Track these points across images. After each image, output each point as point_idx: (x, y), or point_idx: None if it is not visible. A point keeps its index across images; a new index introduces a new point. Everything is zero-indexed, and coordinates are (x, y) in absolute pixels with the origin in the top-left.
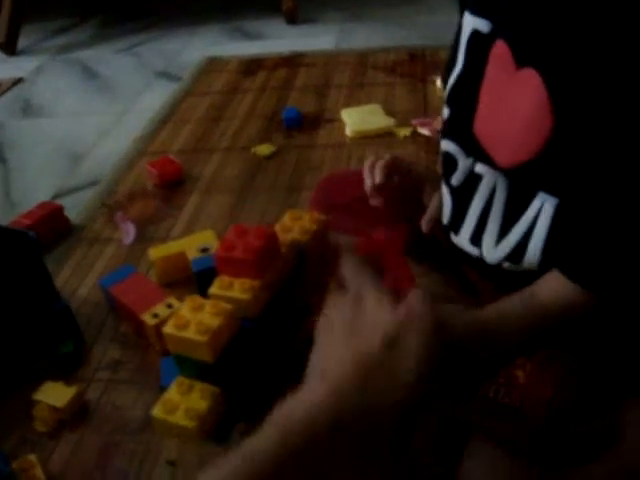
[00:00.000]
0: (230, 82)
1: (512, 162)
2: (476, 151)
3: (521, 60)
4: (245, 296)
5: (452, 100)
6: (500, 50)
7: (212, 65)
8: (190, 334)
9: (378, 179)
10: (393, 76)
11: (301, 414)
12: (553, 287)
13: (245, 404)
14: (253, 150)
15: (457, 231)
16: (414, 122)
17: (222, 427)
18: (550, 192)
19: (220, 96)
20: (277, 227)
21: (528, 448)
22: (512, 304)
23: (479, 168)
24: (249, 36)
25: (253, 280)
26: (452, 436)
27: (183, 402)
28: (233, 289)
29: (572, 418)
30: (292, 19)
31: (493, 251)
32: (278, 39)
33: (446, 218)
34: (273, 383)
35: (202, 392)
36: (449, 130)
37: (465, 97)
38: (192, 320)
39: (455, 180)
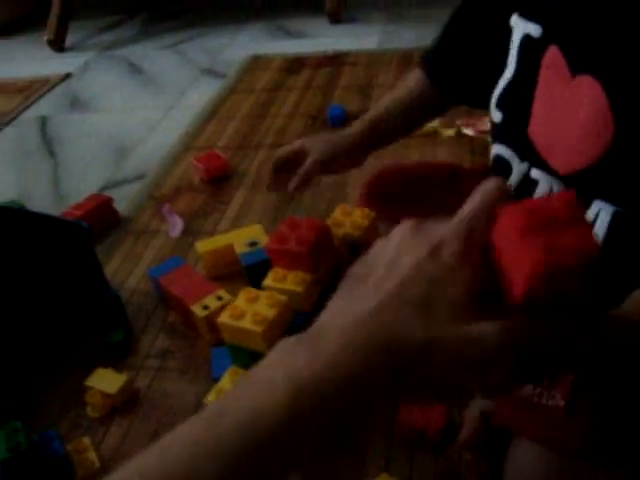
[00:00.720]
0: (274, 80)
1: (569, 169)
2: (531, 156)
3: (576, 67)
4: (298, 289)
5: (504, 104)
6: (553, 56)
7: (256, 63)
8: (246, 324)
9: None
10: None
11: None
12: None
13: None
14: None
15: None
16: (458, 122)
17: None
18: (607, 200)
19: (265, 93)
20: (329, 222)
21: (576, 449)
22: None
23: (534, 173)
24: (292, 35)
25: (306, 273)
26: (496, 432)
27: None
28: (286, 281)
29: (618, 416)
30: (335, 19)
31: None
32: (321, 38)
33: None
34: None
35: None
36: (502, 134)
37: (519, 102)
38: (248, 311)
39: (511, 183)
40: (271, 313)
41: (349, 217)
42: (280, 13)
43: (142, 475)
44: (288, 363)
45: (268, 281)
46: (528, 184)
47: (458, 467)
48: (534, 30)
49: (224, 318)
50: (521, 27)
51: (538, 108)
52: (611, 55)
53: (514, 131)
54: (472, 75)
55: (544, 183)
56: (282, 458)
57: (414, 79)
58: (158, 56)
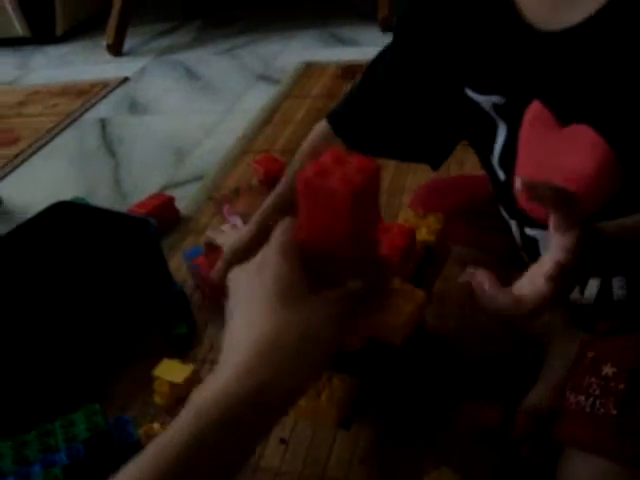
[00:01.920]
0: (328, 86)
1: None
2: (518, 214)
3: (565, 118)
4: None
5: (504, 164)
6: (537, 111)
7: (310, 70)
8: None
9: None
10: None
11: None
12: None
13: (373, 395)
14: None
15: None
16: None
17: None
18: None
19: (319, 99)
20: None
21: (630, 457)
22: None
23: (530, 232)
24: (344, 42)
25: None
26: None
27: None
28: None
29: None
30: (387, 27)
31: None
32: (372, 46)
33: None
34: (396, 380)
35: (342, 381)
36: (500, 194)
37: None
38: None
39: (517, 241)
40: None
41: (423, 220)
42: (332, 21)
43: None
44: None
45: None
46: (529, 243)
47: (515, 463)
48: (497, 100)
49: None
50: (483, 99)
51: (520, 163)
52: (596, 105)
53: (501, 191)
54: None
55: (543, 240)
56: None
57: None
58: (213, 61)
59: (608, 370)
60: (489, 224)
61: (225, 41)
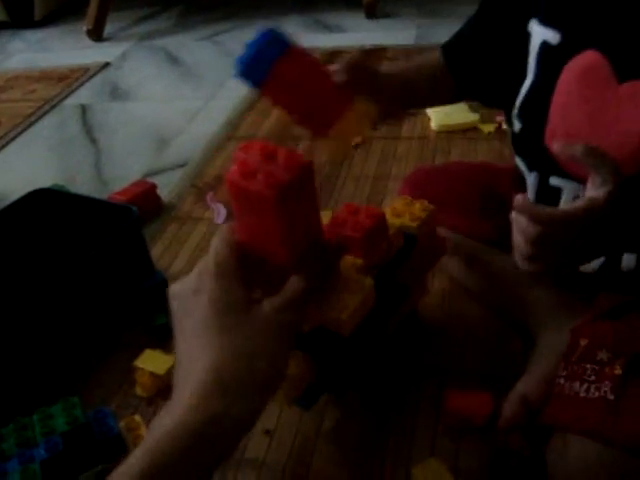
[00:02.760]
0: None
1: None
2: (547, 164)
3: (624, 74)
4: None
5: (523, 114)
6: (592, 62)
7: None
8: None
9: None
10: None
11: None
12: None
13: (335, 376)
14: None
15: None
16: (498, 118)
17: (309, 393)
18: None
19: None
20: (387, 210)
21: (625, 442)
22: None
23: (555, 181)
24: (328, 28)
25: (356, 259)
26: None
27: None
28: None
29: None
30: (371, 13)
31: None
32: (357, 32)
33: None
34: (364, 361)
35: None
36: (518, 145)
37: (537, 111)
38: None
39: (530, 195)
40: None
41: (409, 208)
42: (316, 7)
43: None
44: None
45: None
46: (550, 193)
47: (503, 452)
48: (552, 37)
49: None
50: (539, 34)
51: (556, 115)
52: None
53: (529, 140)
54: (489, 74)
55: (569, 191)
56: None
57: (435, 58)
58: (195, 47)
59: (603, 355)
60: (476, 210)
61: (207, 27)
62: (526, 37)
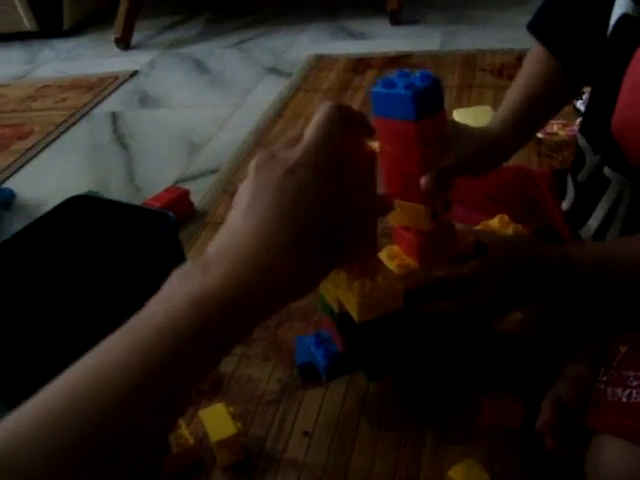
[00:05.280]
0: (339, 80)
1: None
2: (607, 149)
3: None
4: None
5: (595, 89)
6: None
7: (321, 62)
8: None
9: None
10: (501, 79)
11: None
12: None
13: (363, 360)
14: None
15: (579, 226)
16: None
17: (336, 368)
18: None
19: (331, 93)
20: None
21: None
22: (596, 245)
23: (607, 172)
24: (353, 35)
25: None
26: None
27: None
28: (392, 263)
29: None
30: (396, 20)
31: None
32: (382, 39)
33: (566, 206)
34: (397, 351)
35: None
36: (584, 124)
37: (605, 90)
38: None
39: (580, 177)
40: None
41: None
42: (341, 14)
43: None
44: (184, 283)
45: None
46: (600, 182)
47: (538, 455)
48: (634, 10)
49: None
50: (621, 5)
51: (626, 97)
52: None
53: (595, 120)
54: (585, 42)
55: (615, 184)
56: (192, 365)
57: (534, 61)
58: (222, 54)
59: None
60: (515, 215)
61: (234, 34)
62: (609, 10)
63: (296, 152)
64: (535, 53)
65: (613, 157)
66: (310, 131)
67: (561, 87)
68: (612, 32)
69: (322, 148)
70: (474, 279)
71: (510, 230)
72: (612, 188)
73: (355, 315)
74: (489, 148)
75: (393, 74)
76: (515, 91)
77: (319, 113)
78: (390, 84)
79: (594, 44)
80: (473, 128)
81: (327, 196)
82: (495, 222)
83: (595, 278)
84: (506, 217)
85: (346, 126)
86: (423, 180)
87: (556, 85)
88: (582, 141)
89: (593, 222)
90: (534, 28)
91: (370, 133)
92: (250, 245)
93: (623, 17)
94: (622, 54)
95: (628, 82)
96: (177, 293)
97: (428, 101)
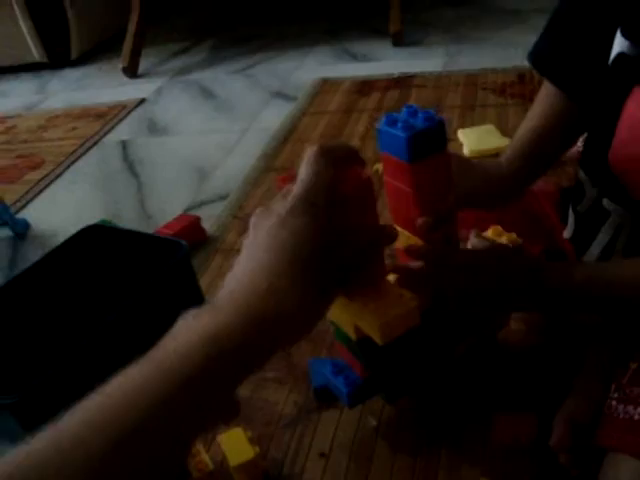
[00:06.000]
0: (345, 102)
1: None
2: (606, 182)
3: None
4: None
5: (593, 124)
6: None
7: (326, 86)
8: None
9: None
10: (503, 97)
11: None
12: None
13: (378, 381)
14: (375, 167)
15: (581, 254)
16: None
17: (357, 394)
18: None
19: (337, 115)
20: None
21: None
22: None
23: (607, 204)
24: (357, 58)
25: None
26: (591, 439)
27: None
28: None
29: None
30: (398, 41)
31: None
32: (385, 61)
33: (567, 235)
34: (415, 369)
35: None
36: (583, 158)
37: (603, 122)
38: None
39: (581, 208)
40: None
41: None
42: (344, 37)
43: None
44: (196, 322)
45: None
46: (600, 213)
47: (552, 473)
48: (630, 50)
49: None
50: (618, 44)
51: (623, 134)
52: None
53: (593, 154)
54: (588, 73)
55: (616, 216)
56: (202, 399)
57: (543, 95)
58: (228, 80)
59: None
60: (522, 233)
61: (238, 60)
62: (609, 45)
63: (289, 201)
64: (544, 86)
65: (612, 190)
66: (299, 177)
67: (571, 120)
68: (610, 69)
69: (311, 190)
70: (464, 266)
71: (504, 239)
72: (612, 219)
73: (378, 338)
74: (497, 183)
75: (400, 110)
76: (525, 126)
77: (305, 158)
78: (393, 122)
79: (595, 76)
80: (483, 162)
81: (322, 234)
82: (489, 233)
83: (589, 297)
84: (499, 228)
85: (335, 163)
86: (419, 221)
87: (566, 119)
88: (581, 174)
89: (594, 251)
90: (536, 61)
91: (361, 164)
92: (255, 287)
93: (620, 55)
94: (619, 91)
95: (624, 120)
96: (190, 330)
97: (426, 143)
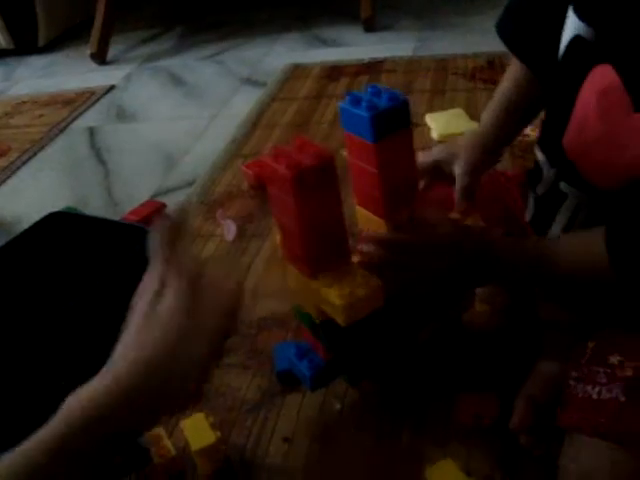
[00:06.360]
0: (314, 88)
1: (604, 185)
2: (562, 165)
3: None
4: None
5: (550, 105)
6: (612, 82)
7: (296, 72)
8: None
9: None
10: (473, 82)
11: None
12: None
13: (347, 366)
14: (342, 153)
15: (541, 235)
16: None
17: (320, 377)
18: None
19: (306, 101)
20: None
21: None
22: (528, 240)
23: (564, 187)
24: (328, 44)
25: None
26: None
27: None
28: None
29: None
30: (370, 27)
31: None
32: (355, 46)
33: (528, 217)
34: (377, 351)
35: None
36: (541, 139)
37: (559, 106)
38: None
39: (539, 190)
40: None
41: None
42: (315, 23)
43: None
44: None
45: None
46: (557, 195)
47: (514, 452)
48: (585, 32)
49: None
50: (574, 25)
51: (577, 120)
52: None
53: (550, 135)
54: (549, 48)
55: (572, 198)
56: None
57: (511, 69)
58: (198, 67)
59: (614, 359)
60: (485, 217)
61: (208, 46)
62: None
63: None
64: (512, 61)
65: (568, 173)
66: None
67: (536, 94)
68: (565, 52)
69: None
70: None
71: (469, 221)
72: (569, 202)
73: (341, 319)
74: (484, 149)
75: (364, 90)
76: (494, 101)
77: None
78: (356, 101)
79: (554, 55)
80: (466, 136)
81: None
82: (453, 214)
83: (541, 271)
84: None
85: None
86: (460, 205)
87: (531, 92)
88: (539, 154)
89: (553, 234)
90: (502, 33)
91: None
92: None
93: (575, 38)
94: (575, 75)
95: (579, 105)
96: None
97: (389, 122)
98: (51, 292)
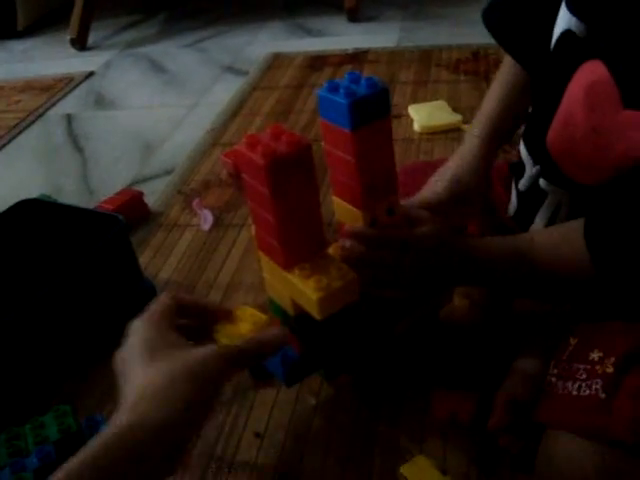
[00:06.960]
0: (296, 77)
1: (587, 182)
2: (545, 161)
3: (630, 101)
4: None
5: (536, 98)
6: (602, 77)
7: (278, 61)
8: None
9: None
10: (456, 74)
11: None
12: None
13: (316, 358)
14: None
15: (523, 231)
16: None
17: (293, 372)
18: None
19: (288, 90)
20: None
21: (617, 437)
22: (505, 238)
23: (543, 184)
24: (311, 33)
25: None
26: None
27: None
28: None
29: None
30: (354, 17)
31: None
32: (339, 36)
33: (511, 211)
34: (353, 346)
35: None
36: (526, 134)
37: (544, 102)
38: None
39: (521, 185)
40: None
41: None
42: (299, 12)
43: None
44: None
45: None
46: (538, 194)
47: (491, 450)
48: (577, 27)
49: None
50: (565, 19)
51: (562, 117)
52: None
53: (535, 131)
54: (537, 42)
55: (552, 196)
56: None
57: (504, 65)
58: (179, 54)
59: (595, 355)
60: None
61: (190, 34)
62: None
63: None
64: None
65: (550, 170)
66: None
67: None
68: (555, 46)
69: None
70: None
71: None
72: (550, 199)
73: (316, 312)
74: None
75: (343, 77)
76: (489, 101)
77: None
78: (335, 88)
79: (543, 49)
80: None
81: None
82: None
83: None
84: None
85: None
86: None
87: (525, 88)
88: (523, 150)
89: (535, 230)
90: (488, 22)
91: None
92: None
93: (566, 33)
94: (563, 71)
95: (566, 100)
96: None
97: (368, 110)
98: (20, 281)
